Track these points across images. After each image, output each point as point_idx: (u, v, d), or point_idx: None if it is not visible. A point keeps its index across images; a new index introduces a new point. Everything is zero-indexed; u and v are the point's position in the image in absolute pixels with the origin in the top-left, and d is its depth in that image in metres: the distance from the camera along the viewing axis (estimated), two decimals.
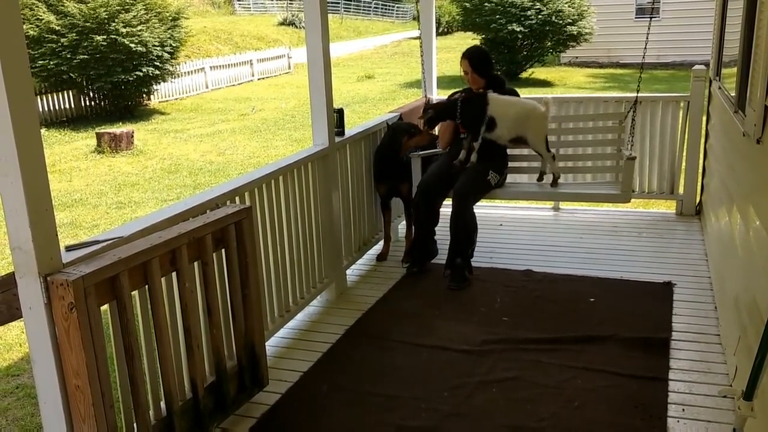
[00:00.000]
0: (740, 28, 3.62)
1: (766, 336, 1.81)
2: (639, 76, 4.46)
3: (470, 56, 4.35)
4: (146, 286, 2.37)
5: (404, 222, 4.86)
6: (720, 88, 4.64)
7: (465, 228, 4.10)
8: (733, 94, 3.73)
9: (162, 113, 15.66)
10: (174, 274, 2.50)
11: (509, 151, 4.52)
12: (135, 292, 2.35)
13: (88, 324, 2.07)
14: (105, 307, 2.22)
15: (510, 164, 4.50)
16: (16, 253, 2.04)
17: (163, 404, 2.53)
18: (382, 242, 4.89)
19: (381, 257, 4.63)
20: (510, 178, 4.52)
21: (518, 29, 16.95)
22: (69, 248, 2.23)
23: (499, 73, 4.45)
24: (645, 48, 4.40)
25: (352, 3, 38.59)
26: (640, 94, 4.46)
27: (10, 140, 1.93)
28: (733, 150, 3.64)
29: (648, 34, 4.37)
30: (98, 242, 2.30)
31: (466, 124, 4.21)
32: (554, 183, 4.38)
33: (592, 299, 3.86)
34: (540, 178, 4.43)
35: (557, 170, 4.37)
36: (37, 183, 2.01)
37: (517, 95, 4.44)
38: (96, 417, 2.11)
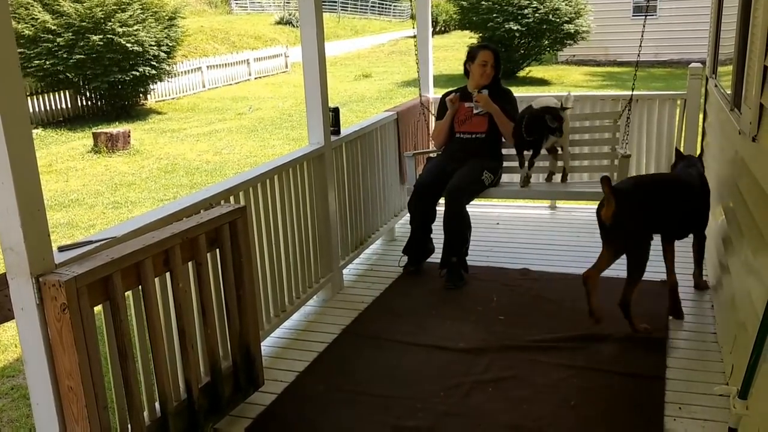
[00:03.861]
0: (736, 26, 3.62)
1: (760, 335, 1.80)
2: (634, 74, 4.46)
3: (495, 51, 4.42)
4: (140, 287, 2.36)
5: (403, 219, 4.82)
6: (716, 85, 4.64)
7: (458, 226, 4.10)
8: (729, 92, 3.72)
9: (159, 113, 15.63)
10: (168, 274, 2.49)
11: (504, 151, 4.51)
12: (128, 293, 2.33)
13: (80, 325, 2.06)
14: (99, 308, 2.21)
15: (505, 164, 4.50)
16: (8, 254, 2.03)
17: (157, 405, 2.52)
18: (379, 241, 4.88)
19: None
20: (506, 177, 4.51)
21: (515, 28, 16.94)
22: (62, 249, 2.22)
23: None
24: (640, 46, 4.40)
25: (350, 2, 38.54)
26: (637, 93, 4.45)
27: (0, 140, 1.92)
28: (729, 148, 3.63)
29: (644, 32, 4.36)
30: (91, 243, 2.29)
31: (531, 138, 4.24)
32: (550, 178, 4.39)
33: None
34: (549, 178, 4.45)
35: (560, 168, 4.39)
36: (28, 183, 2.00)
37: (512, 95, 4.45)
38: (89, 418, 2.10)
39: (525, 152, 4.31)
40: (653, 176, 3.94)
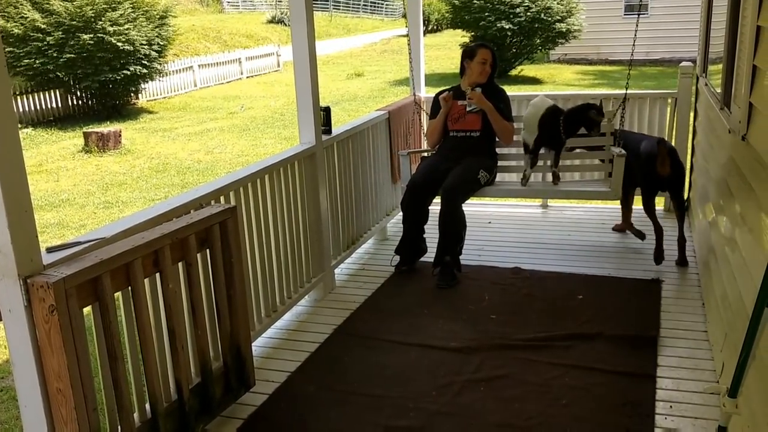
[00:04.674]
0: (725, 25, 3.63)
1: (749, 334, 1.80)
2: (627, 73, 4.46)
3: (492, 50, 4.43)
4: (129, 288, 2.34)
5: (395, 218, 4.81)
6: (707, 84, 4.65)
7: (453, 225, 4.10)
8: (719, 91, 3.73)
9: (150, 112, 15.57)
10: (157, 275, 2.47)
11: (498, 150, 4.52)
12: (118, 294, 2.32)
13: (69, 326, 2.05)
14: (88, 309, 2.19)
15: (500, 163, 4.50)
16: None
17: (147, 406, 2.50)
18: (371, 241, 4.88)
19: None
20: (499, 177, 4.51)
21: (507, 27, 16.95)
22: (50, 250, 2.20)
23: None
24: (633, 45, 4.40)
25: (342, 0, 38.48)
26: (628, 91, 4.46)
27: None
28: (719, 146, 3.65)
29: (636, 30, 4.37)
30: (80, 243, 2.27)
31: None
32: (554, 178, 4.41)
33: (580, 296, 3.85)
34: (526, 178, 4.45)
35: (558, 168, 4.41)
36: (15, 184, 1.98)
37: (505, 94, 4.45)
38: (78, 420, 2.08)
39: (540, 152, 4.35)
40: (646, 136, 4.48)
